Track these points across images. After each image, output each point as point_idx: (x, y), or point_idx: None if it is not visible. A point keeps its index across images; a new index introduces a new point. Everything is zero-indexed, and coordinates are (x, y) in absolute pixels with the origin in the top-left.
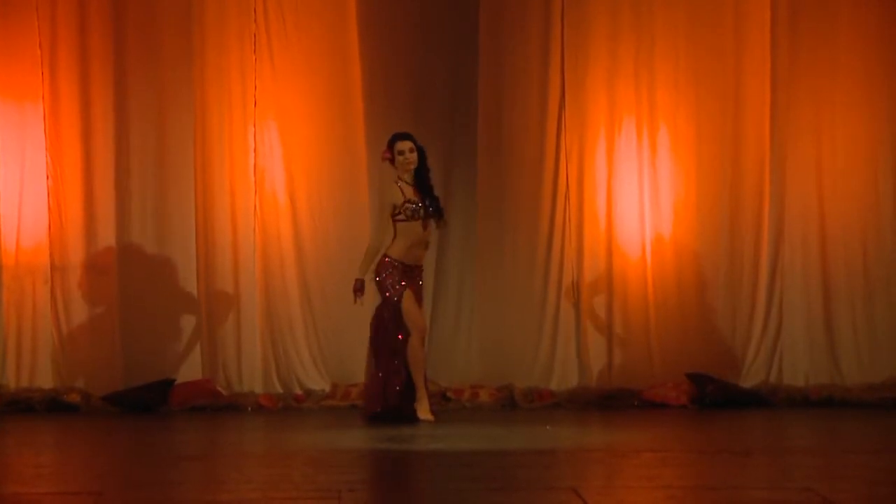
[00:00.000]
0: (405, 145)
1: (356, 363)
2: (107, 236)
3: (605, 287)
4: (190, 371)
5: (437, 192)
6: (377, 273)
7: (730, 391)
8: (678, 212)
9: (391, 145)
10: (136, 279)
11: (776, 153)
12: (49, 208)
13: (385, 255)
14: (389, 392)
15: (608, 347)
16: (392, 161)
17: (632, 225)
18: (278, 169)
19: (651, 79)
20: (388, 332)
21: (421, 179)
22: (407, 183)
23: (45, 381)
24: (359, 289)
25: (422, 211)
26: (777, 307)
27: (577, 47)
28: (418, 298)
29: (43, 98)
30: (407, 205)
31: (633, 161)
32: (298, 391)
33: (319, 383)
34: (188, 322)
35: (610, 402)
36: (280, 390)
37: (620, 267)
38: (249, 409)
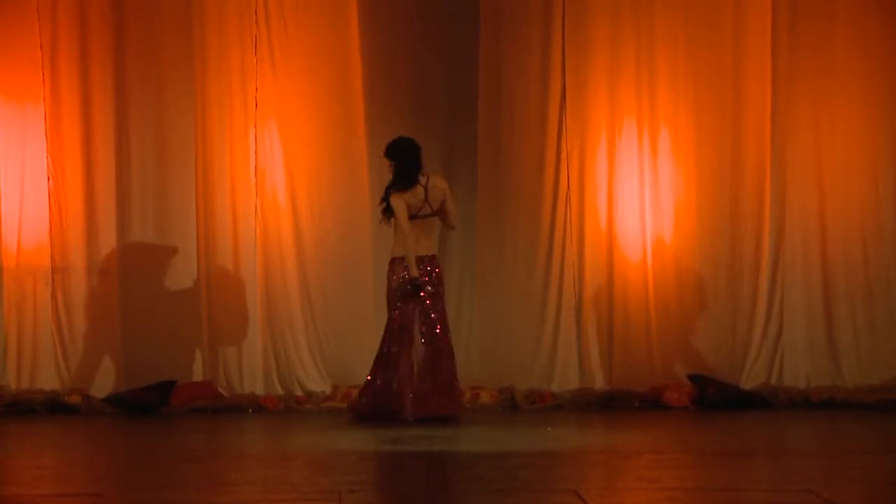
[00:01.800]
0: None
1: (357, 364)
2: (108, 237)
3: (606, 288)
4: (191, 372)
5: None
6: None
7: (731, 392)
8: (679, 213)
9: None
10: (136, 280)
11: (776, 154)
12: (50, 209)
13: (393, 258)
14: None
15: (609, 349)
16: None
17: (632, 226)
18: (279, 170)
19: (651, 80)
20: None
21: None
22: None
23: (46, 382)
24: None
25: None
26: (778, 308)
27: (577, 49)
28: None
29: (44, 99)
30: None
31: (634, 162)
32: (299, 392)
33: (320, 385)
34: (189, 323)
35: (611, 403)
36: (281, 392)
37: (621, 268)
38: (250, 410)
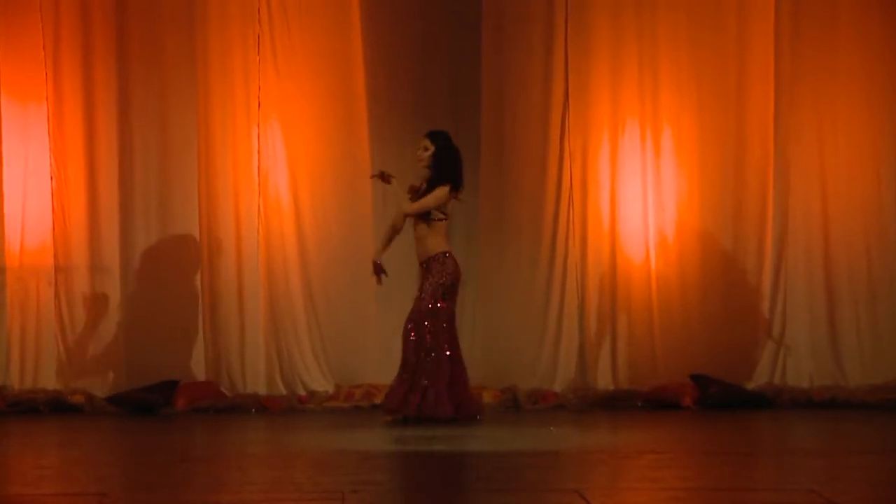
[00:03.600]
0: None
1: (359, 364)
2: (110, 237)
3: (609, 289)
4: (193, 372)
5: None
6: (454, 273)
7: (733, 392)
8: (682, 214)
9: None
10: (139, 280)
11: (779, 155)
12: (53, 209)
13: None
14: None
15: (612, 349)
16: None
17: (635, 227)
18: (282, 171)
19: (654, 81)
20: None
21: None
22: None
23: (49, 382)
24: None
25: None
26: (781, 309)
27: (580, 49)
28: None
29: (46, 99)
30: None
31: (637, 163)
32: (302, 392)
33: (323, 384)
34: (192, 323)
35: (613, 403)
36: (283, 391)
37: (624, 268)
38: (253, 410)
